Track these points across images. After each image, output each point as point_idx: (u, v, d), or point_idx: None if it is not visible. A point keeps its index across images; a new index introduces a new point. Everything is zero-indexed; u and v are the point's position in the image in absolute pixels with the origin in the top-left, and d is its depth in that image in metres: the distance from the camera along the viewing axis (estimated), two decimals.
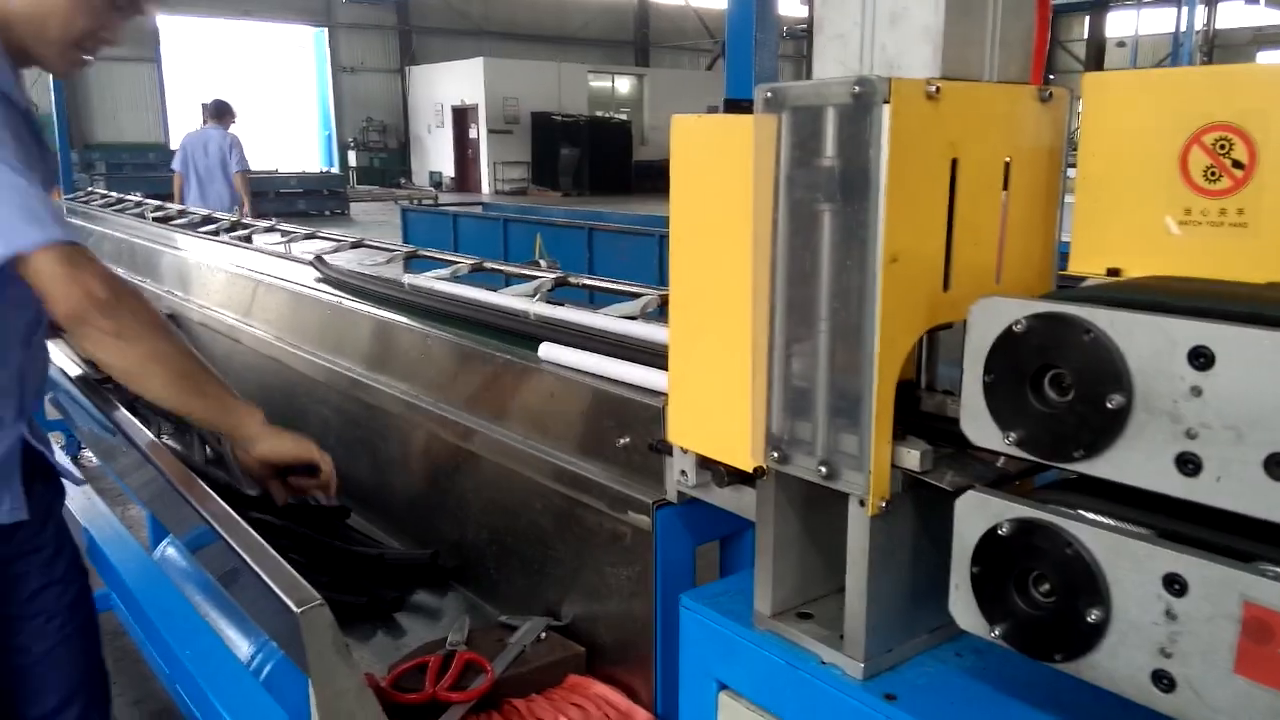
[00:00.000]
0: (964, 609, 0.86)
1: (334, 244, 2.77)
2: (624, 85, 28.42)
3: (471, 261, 2.21)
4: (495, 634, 1.34)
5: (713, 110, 1.07)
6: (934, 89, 0.84)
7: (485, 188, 24.91)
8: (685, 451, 1.12)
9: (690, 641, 1.10)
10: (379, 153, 27.03)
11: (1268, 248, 0.82)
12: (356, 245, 2.76)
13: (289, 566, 1.03)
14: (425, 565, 1.59)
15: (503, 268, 2.21)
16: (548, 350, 1.40)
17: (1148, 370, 0.72)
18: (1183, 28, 16.34)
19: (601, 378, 1.31)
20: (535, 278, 1.94)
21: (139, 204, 4.62)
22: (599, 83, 27.58)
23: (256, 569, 1.01)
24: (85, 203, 5.30)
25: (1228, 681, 0.70)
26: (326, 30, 26.44)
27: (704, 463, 1.10)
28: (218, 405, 1.44)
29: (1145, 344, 0.72)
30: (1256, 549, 0.70)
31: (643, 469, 1.25)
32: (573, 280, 1.98)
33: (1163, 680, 0.74)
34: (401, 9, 26.77)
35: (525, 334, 1.56)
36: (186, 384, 1.38)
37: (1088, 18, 29.36)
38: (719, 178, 0.98)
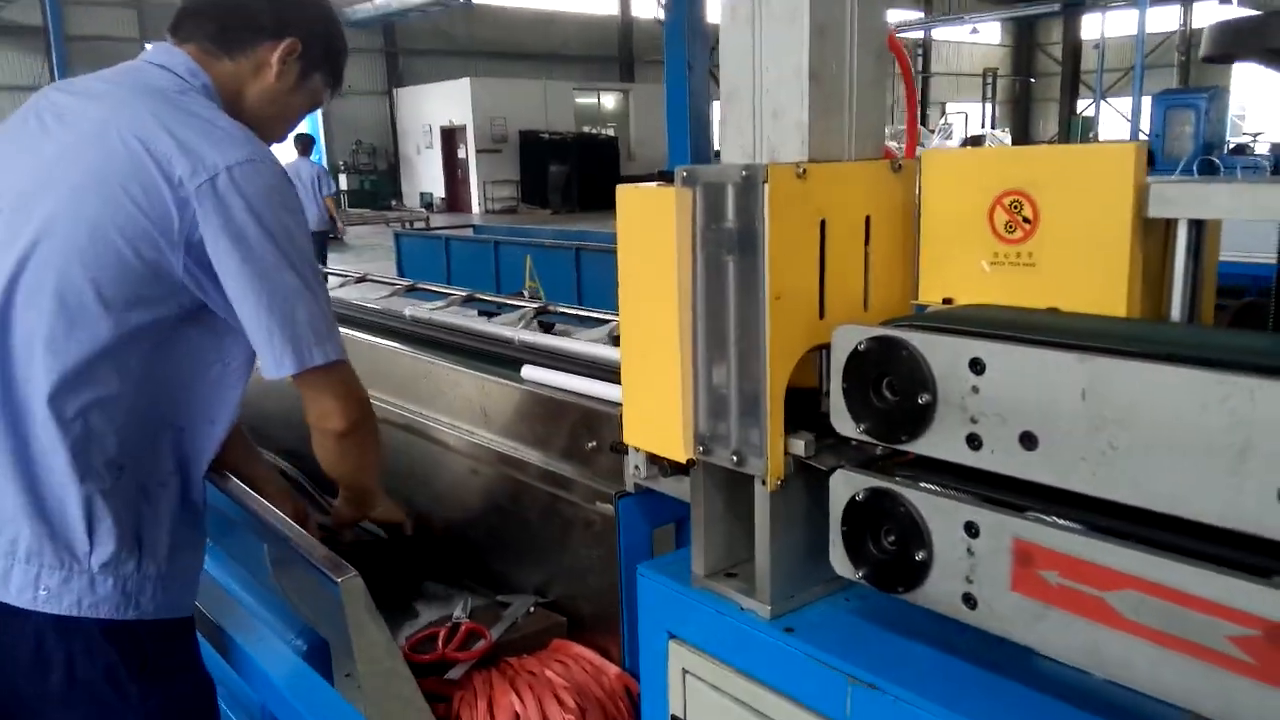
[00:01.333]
0: (839, 559, 1.14)
1: (340, 279, 3.07)
2: (610, 101, 28.83)
3: (465, 293, 2.50)
4: (493, 610, 1.62)
5: None
6: (801, 170, 1.13)
7: (475, 207, 25.23)
8: (638, 450, 1.40)
9: (645, 602, 1.38)
10: (369, 175, 27.37)
11: (1048, 282, 1.11)
12: (361, 280, 3.05)
13: (329, 550, 1.31)
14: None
15: (492, 299, 2.51)
16: (529, 371, 1.69)
17: (945, 375, 1.00)
18: (1146, 30, 17.01)
19: (572, 393, 1.60)
20: (520, 308, 2.23)
21: None
22: (585, 99, 27.97)
23: (305, 554, 1.29)
24: None
25: (1007, 597, 0.98)
26: None
27: (652, 459, 1.38)
28: (373, 484, 1.64)
29: (942, 356, 1.00)
30: (1024, 502, 0.99)
31: (607, 468, 1.53)
32: (552, 308, 2.28)
33: (969, 600, 1.02)
34: (388, 32, 27.12)
35: (510, 358, 1.85)
36: (372, 473, 1.60)
37: (1063, 21, 29.83)
38: (653, 235, 1.26)
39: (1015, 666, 1.09)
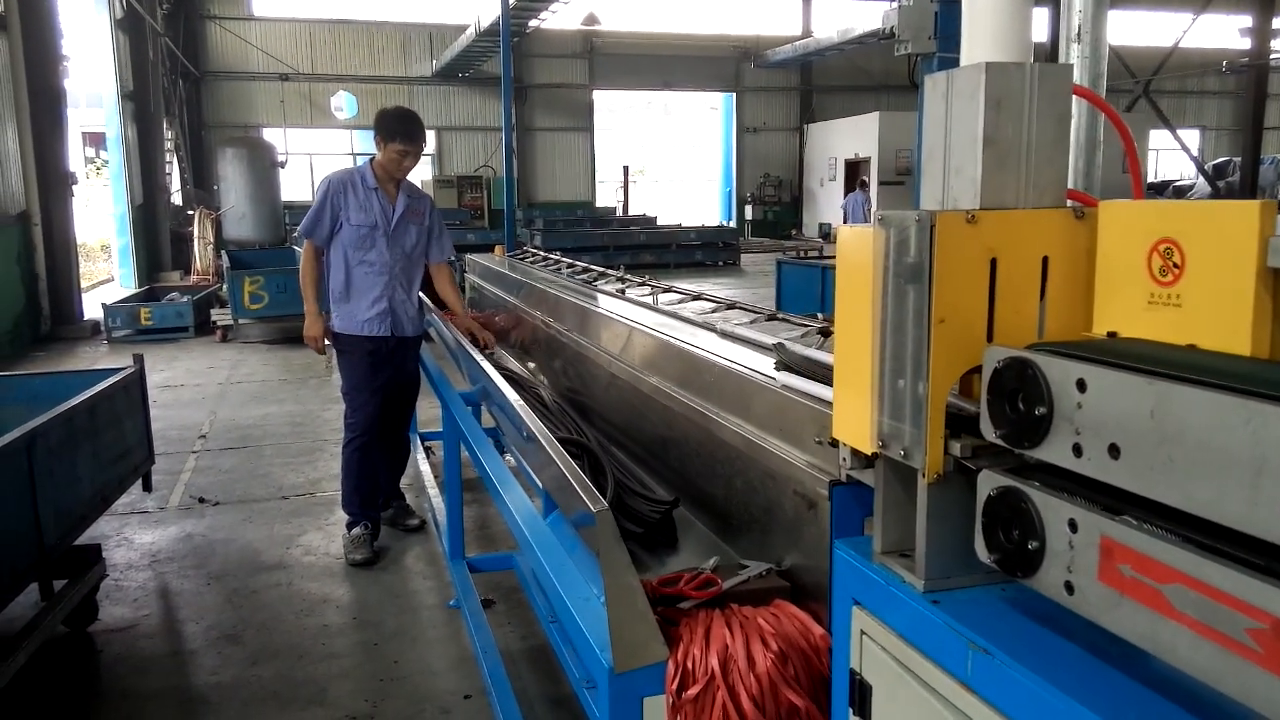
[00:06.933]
0: (979, 546, 1.34)
1: (678, 295, 3.59)
2: None
3: (769, 312, 2.87)
4: (734, 568, 1.96)
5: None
6: (971, 216, 1.35)
7: None
8: (844, 445, 1.67)
9: (839, 572, 1.64)
10: (773, 206, 28.68)
11: (1192, 321, 1.22)
12: (697, 298, 3.55)
13: (603, 500, 1.74)
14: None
15: (789, 318, 2.85)
16: (781, 375, 2.00)
17: (1058, 392, 1.18)
18: None
19: (809, 395, 1.89)
20: (806, 326, 2.55)
21: (556, 262, 5.92)
22: None
23: (574, 484, 1.73)
24: (521, 258, 6.77)
25: (1096, 585, 1.14)
26: (735, 95, 28.52)
27: (854, 452, 1.64)
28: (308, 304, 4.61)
29: (1057, 376, 1.18)
30: (1118, 505, 1.14)
31: (832, 458, 1.80)
32: (832, 327, 2.56)
33: (1069, 588, 1.18)
34: (805, 71, 28.21)
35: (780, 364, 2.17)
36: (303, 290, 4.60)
37: None
38: (860, 266, 1.54)
39: (1124, 660, 1.20)
